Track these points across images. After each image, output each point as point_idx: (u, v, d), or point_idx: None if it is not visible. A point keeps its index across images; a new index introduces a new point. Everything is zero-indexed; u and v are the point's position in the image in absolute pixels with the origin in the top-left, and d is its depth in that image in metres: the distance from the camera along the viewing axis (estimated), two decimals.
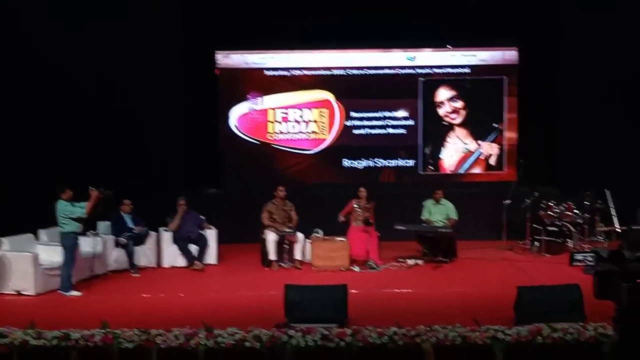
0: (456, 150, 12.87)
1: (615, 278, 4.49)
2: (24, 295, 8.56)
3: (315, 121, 12.77)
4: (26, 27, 11.40)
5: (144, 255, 10.28)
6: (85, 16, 11.46)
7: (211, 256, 10.53)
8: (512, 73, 12.69)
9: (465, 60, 12.75)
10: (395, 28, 12.23)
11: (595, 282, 4.64)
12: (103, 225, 10.10)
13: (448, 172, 12.89)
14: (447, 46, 12.72)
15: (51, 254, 9.02)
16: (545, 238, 10.78)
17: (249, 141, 12.75)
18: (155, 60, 11.79)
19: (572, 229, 10.87)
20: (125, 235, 9.99)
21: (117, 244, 9.98)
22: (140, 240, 10.23)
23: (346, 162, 12.84)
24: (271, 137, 12.76)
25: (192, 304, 8.07)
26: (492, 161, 12.85)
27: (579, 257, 9.71)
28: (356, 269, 9.96)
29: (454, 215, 10.77)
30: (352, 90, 12.73)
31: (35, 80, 11.54)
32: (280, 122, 12.76)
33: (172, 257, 10.41)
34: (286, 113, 12.76)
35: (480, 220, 11.87)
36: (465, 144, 12.84)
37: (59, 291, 8.66)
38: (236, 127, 12.72)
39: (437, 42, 12.70)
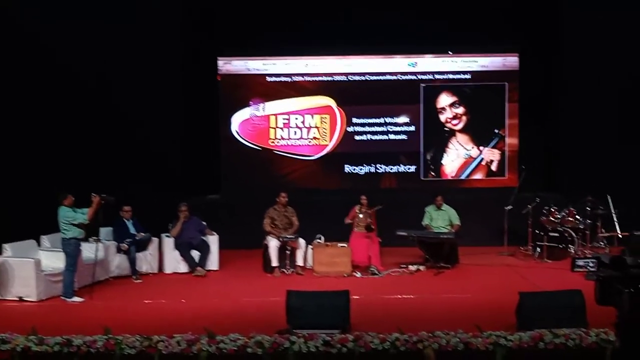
0: (457, 156, 12.87)
1: (616, 284, 4.49)
2: (26, 301, 8.57)
3: (316, 127, 12.78)
4: (29, 32, 11.45)
5: (146, 261, 10.28)
6: (88, 24, 11.51)
7: (213, 262, 10.53)
8: (513, 79, 12.71)
9: (466, 66, 12.77)
10: (397, 34, 12.25)
11: (596, 288, 4.65)
12: (105, 231, 10.11)
13: (449, 178, 12.89)
14: (448, 52, 12.74)
15: (53, 260, 9.05)
16: (547, 244, 10.75)
17: (251, 147, 12.76)
18: (157, 67, 11.82)
19: (573, 234, 10.85)
20: (127, 241, 10.00)
21: (119, 250, 9.99)
22: (142, 246, 10.23)
23: (348, 168, 12.85)
24: (273, 143, 12.78)
25: (194, 310, 8.08)
26: (494, 167, 12.86)
27: (580, 263, 9.75)
28: (358, 274, 9.96)
29: (456, 220, 10.77)
30: (353, 96, 12.74)
31: (38, 88, 11.58)
32: (281, 128, 12.78)
33: (174, 263, 10.41)
34: (287, 119, 12.78)
35: (481, 226, 11.84)
36: (467, 149, 12.85)
37: (61, 297, 8.67)
38: (238, 133, 12.74)
39: (438, 48, 12.73)
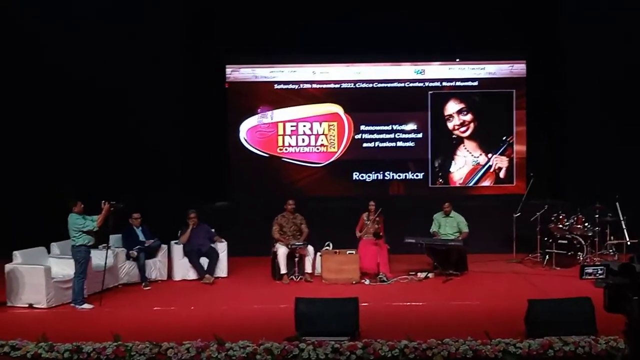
0: (465, 163, 12.88)
1: (626, 291, 4.49)
2: (37, 308, 8.61)
3: (324, 134, 12.82)
4: (29, 32, 11.52)
5: (155, 268, 10.31)
6: (96, 33, 11.60)
7: (222, 269, 10.55)
8: (521, 86, 12.72)
9: (473, 74, 12.79)
10: (404, 41, 12.30)
11: (606, 295, 4.64)
12: (114, 239, 10.13)
13: (458, 185, 12.89)
14: (456, 59, 12.77)
15: (63, 267, 9.09)
16: (556, 251, 10.73)
17: (259, 154, 12.81)
18: (165, 74, 11.89)
19: (582, 241, 10.82)
20: (136, 249, 10.04)
21: (129, 257, 10.02)
22: (151, 253, 10.26)
23: (356, 175, 12.87)
24: (281, 150, 12.82)
25: (203, 317, 8.09)
26: (502, 174, 12.85)
27: (589, 270, 9.69)
28: (366, 282, 9.95)
29: (464, 227, 10.76)
30: (361, 103, 12.78)
31: (41, 94, 11.65)
32: (289, 136, 12.82)
33: (183, 270, 10.44)
34: (295, 126, 12.83)
35: (490, 233, 11.82)
36: (475, 156, 12.86)
37: (71, 304, 8.70)
38: (246, 140, 12.79)
39: (446, 56, 12.76)
